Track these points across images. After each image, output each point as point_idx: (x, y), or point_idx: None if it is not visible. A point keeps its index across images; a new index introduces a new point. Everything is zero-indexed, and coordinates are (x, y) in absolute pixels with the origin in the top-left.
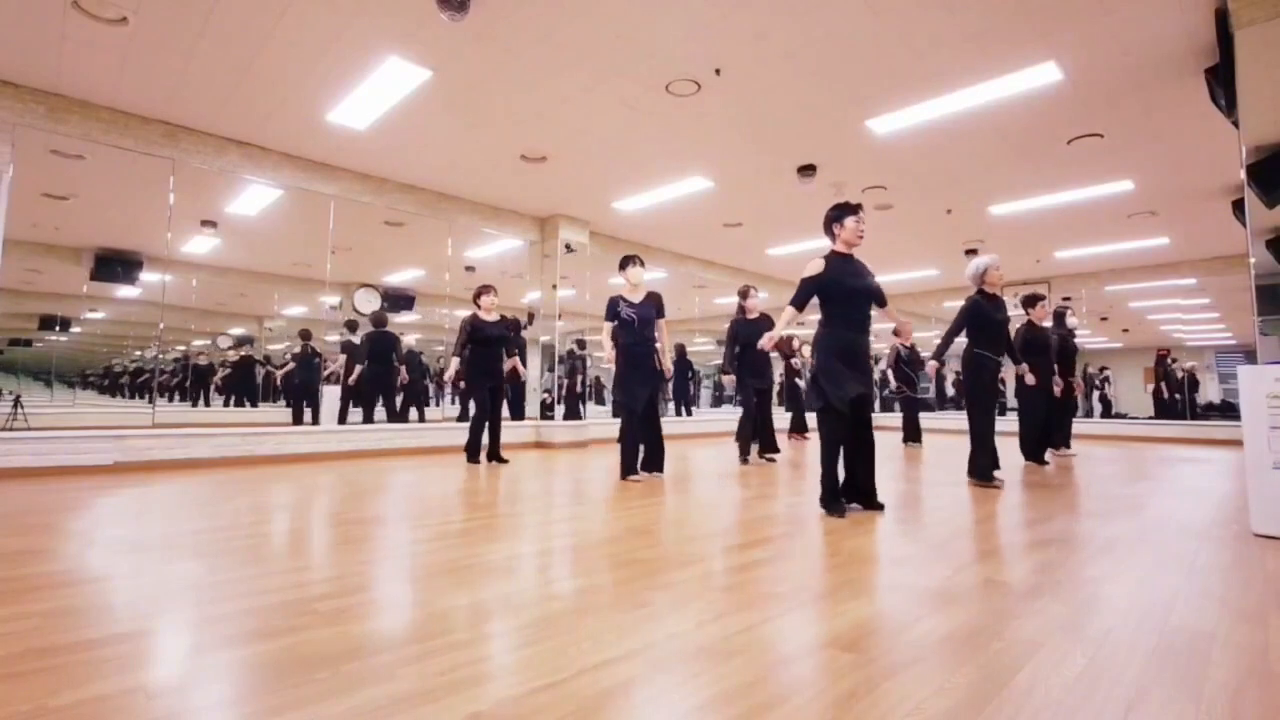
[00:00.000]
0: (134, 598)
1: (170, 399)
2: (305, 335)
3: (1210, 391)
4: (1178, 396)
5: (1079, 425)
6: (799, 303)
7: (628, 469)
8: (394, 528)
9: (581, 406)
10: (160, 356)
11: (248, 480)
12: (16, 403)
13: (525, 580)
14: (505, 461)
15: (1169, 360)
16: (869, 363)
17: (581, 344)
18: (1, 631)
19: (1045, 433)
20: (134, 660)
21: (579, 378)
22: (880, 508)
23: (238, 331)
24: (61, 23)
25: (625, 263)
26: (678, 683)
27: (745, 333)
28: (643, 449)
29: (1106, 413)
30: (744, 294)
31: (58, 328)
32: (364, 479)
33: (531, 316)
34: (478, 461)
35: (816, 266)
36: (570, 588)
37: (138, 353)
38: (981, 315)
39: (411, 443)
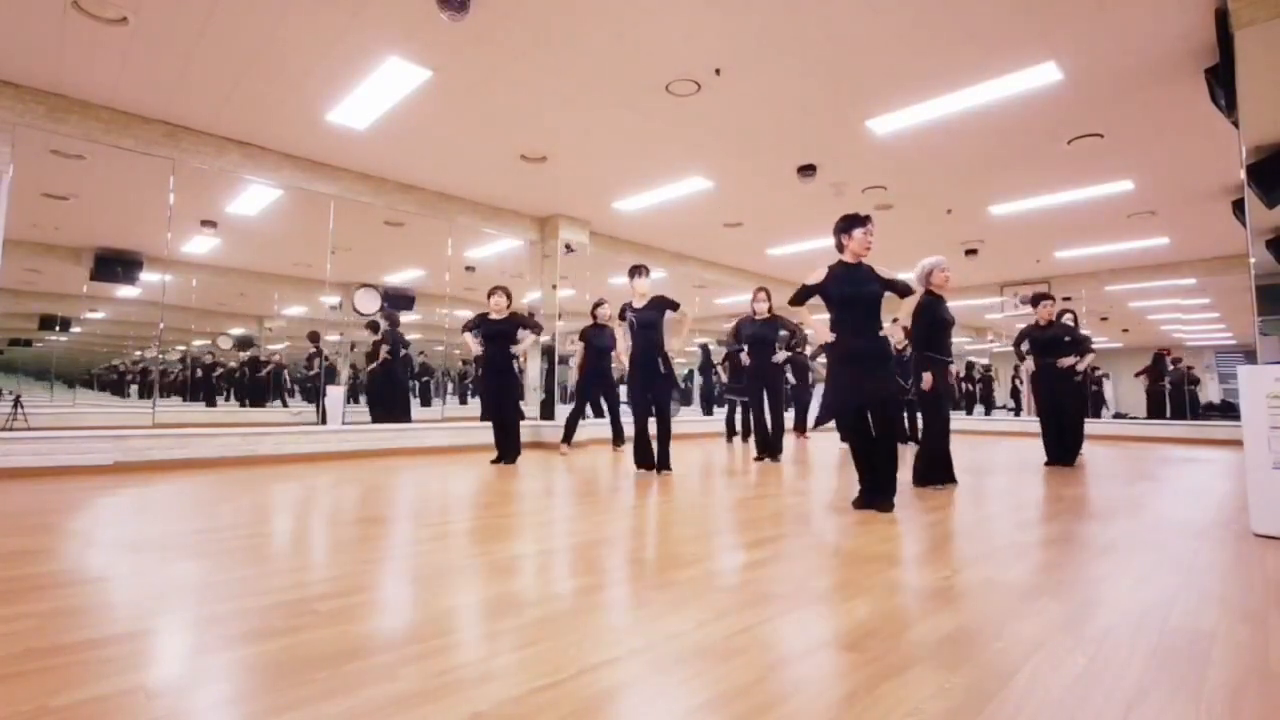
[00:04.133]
0: (134, 598)
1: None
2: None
3: (1211, 391)
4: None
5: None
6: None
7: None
8: (393, 527)
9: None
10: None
11: (248, 480)
12: (17, 403)
13: (525, 580)
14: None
15: (1167, 358)
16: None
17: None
18: (1, 631)
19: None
20: (134, 660)
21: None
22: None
23: (238, 331)
24: (61, 23)
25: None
26: (678, 683)
27: (748, 333)
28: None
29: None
30: (756, 295)
31: (58, 328)
32: (363, 479)
33: (532, 315)
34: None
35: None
36: (570, 588)
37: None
38: (933, 314)
39: (411, 443)
